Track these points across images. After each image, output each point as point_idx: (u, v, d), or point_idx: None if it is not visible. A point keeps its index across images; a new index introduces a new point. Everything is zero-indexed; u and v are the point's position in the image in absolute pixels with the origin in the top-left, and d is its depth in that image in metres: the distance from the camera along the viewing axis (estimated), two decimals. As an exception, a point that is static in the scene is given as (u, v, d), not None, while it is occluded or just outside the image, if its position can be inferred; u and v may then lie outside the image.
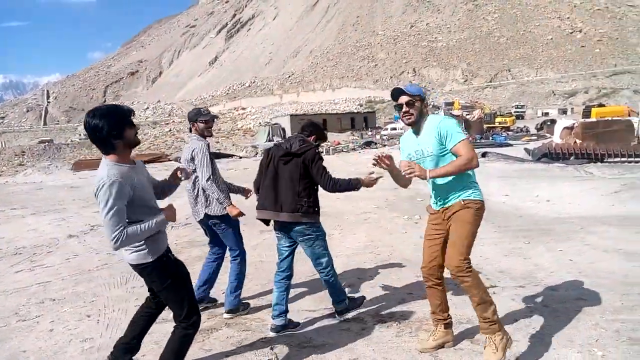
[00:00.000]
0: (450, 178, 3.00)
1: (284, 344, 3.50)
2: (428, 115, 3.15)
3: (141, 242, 2.65)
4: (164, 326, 3.97)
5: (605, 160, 19.88)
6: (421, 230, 7.34)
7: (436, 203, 3.18)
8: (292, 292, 4.76)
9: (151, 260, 2.70)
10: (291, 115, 58.85)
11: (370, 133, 48.15)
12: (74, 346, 3.68)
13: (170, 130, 73.64)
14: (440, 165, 3.01)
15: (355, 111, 68.14)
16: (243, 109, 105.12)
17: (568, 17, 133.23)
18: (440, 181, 3.06)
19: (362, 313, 4.01)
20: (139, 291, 5.01)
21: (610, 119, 25.31)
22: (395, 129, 43.80)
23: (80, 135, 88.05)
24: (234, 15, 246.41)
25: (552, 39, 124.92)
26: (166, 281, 2.77)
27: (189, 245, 7.15)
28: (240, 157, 30.54)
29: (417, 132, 3.16)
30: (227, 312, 4.14)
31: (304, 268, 5.62)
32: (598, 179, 14.16)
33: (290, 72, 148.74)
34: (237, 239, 4.21)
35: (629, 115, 30.34)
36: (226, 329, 3.85)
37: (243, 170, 19.85)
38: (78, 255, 6.86)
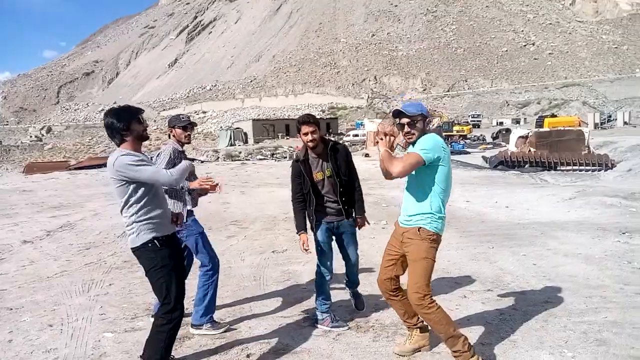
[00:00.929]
0: (418, 195, 3.05)
1: (261, 351, 3.44)
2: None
3: (132, 227, 2.93)
4: (134, 335, 3.83)
5: (557, 168, 20.76)
6: (388, 236, 7.44)
7: (401, 220, 3.21)
8: (263, 298, 4.71)
9: (139, 244, 2.93)
10: (253, 120, 58.39)
11: (333, 139, 48.37)
12: (36, 357, 3.49)
13: (127, 133, 71.31)
14: (412, 180, 3.10)
15: (318, 117, 68.45)
16: (204, 112, 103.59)
17: (522, 31, 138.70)
18: (408, 196, 3.13)
19: (337, 318, 3.99)
20: (103, 299, 4.83)
21: (562, 128, 26.43)
22: (357, 135, 44.26)
23: (31, 136, 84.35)
24: (195, 17, 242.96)
25: (506, 51, 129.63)
26: (150, 266, 2.93)
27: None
28: (202, 161, 30.04)
29: (406, 147, 3.16)
30: (192, 326, 3.88)
31: (275, 274, 5.58)
32: (552, 186, 14.75)
33: (252, 76, 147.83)
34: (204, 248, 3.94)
35: (580, 126, 31.78)
36: (199, 338, 3.75)
37: (204, 175, 19.53)
38: (34, 262, 6.54)
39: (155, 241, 2.91)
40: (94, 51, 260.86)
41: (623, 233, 7.02)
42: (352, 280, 4.09)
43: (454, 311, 4.04)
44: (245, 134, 49.49)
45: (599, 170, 19.26)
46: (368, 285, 4.92)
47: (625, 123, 49.57)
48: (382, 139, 3.02)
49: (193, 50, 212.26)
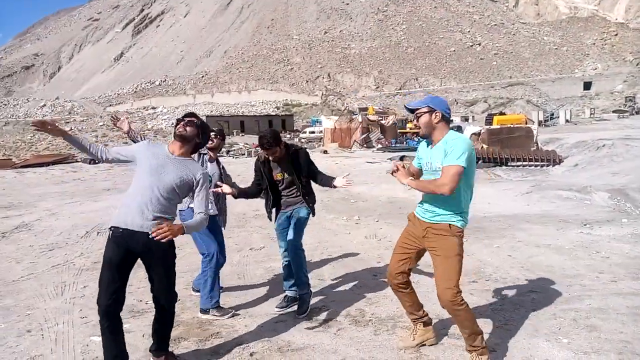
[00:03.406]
0: (449, 196, 2.90)
1: (263, 349, 3.38)
2: (447, 130, 3.03)
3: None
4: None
5: (509, 164, 21.60)
6: (364, 231, 7.53)
7: (422, 215, 3.13)
8: (252, 296, 4.64)
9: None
10: (207, 116, 57.26)
11: (289, 136, 48.27)
12: (21, 366, 3.28)
13: (70, 129, 68.52)
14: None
15: (273, 114, 68.02)
16: (153, 108, 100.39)
17: (469, 31, 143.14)
18: (433, 194, 2.98)
19: (334, 313, 3.99)
20: (80, 302, 4.61)
21: (511, 125, 27.51)
22: (313, 132, 44.32)
23: (-36, 133, 79.02)
24: (142, 10, 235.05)
25: (454, 51, 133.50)
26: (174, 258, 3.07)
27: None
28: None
29: (430, 143, 3.10)
30: (200, 312, 4.15)
31: (259, 271, 5.50)
32: (507, 181, 15.34)
33: (203, 71, 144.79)
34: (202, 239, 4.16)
35: (526, 123, 33.21)
36: (194, 338, 3.64)
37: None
38: (-5, 265, 6.13)
39: None
40: (33, 44, 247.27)
41: (584, 224, 7.40)
42: (294, 274, 4.08)
43: (445, 303, 4.12)
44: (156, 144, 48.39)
45: (548, 166, 20.16)
46: (355, 280, 4.95)
47: (566, 121, 52.21)
48: (396, 171, 3.02)
49: (140, 44, 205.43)
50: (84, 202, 11.79)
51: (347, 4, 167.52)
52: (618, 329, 3.42)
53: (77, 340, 3.66)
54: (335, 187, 3.97)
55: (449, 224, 2.98)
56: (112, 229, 2.88)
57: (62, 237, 7.85)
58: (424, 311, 3.36)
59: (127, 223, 2.82)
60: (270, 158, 3.97)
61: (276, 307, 4.14)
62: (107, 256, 2.86)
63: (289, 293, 4.20)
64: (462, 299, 2.92)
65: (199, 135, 3.05)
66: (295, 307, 4.07)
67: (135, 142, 4.54)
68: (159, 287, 2.99)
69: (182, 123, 3.03)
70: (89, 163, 24.73)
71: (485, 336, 3.41)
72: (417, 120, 3.07)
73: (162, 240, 2.70)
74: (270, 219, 4.21)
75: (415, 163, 3.29)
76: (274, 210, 4.19)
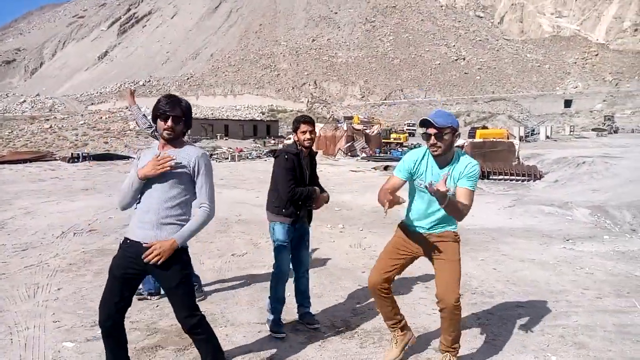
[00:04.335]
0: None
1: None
2: (462, 152, 3.03)
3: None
4: (97, 345, 3.50)
5: (490, 177, 21.82)
6: (349, 239, 7.44)
7: (422, 229, 3.11)
8: (235, 303, 4.50)
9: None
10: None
11: (273, 142, 48.12)
12: (-13, 372, 3.10)
13: (51, 127, 67.21)
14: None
15: (258, 119, 67.72)
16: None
17: (454, 45, 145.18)
18: (437, 210, 3.02)
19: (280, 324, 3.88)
20: (53, 305, 4.41)
21: (494, 139, 27.83)
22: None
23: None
24: (129, 10, 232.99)
25: (439, 64, 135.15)
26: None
27: (99, 254, 6.47)
28: (140, 158, 28.64)
29: (440, 163, 3.01)
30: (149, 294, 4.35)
31: (241, 278, 5.36)
32: (489, 195, 15.45)
33: (189, 73, 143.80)
34: None
35: (508, 138, 33.63)
36: (172, 347, 3.49)
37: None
38: (-37, 264, 5.88)
39: None
40: (15, 38, 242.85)
41: (567, 240, 7.45)
42: (303, 291, 3.93)
43: (431, 315, 4.06)
44: (140, 151, 47.86)
45: (529, 181, 20.41)
46: (340, 290, 4.85)
47: (547, 137, 53.10)
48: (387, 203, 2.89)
49: (125, 43, 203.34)
50: (61, 201, 11.48)
51: (336, 13, 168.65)
52: (606, 347, 3.39)
53: (48, 346, 3.48)
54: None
55: (452, 231, 3.08)
56: (122, 240, 2.75)
57: (36, 236, 7.59)
58: (401, 315, 3.33)
59: (134, 234, 2.67)
60: (307, 142, 3.66)
61: (278, 335, 3.67)
62: (110, 267, 2.73)
63: (308, 310, 3.95)
64: (460, 303, 2.99)
65: (186, 121, 2.76)
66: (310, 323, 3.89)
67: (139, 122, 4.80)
68: (173, 306, 2.71)
69: (167, 124, 2.67)
70: (68, 162, 24.23)
71: (474, 351, 3.35)
72: (439, 140, 2.93)
73: (153, 262, 2.54)
74: (289, 227, 3.71)
75: (401, 175, 3.12)
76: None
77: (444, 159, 2.99)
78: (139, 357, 3.25)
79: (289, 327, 3.83)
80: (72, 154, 26.59)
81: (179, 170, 2.64)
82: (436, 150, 2.95)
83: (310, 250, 3.89)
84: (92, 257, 6.26)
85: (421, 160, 3.08)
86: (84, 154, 26.10)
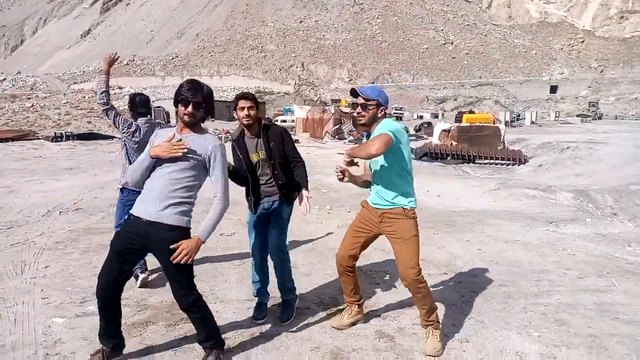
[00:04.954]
0: (392, 179, 3.13)
1: (235, 335, 3.30)
2: (384, 119, 3.18)
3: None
4: (87, 320, 3.52)
5: (476, 161, 22.03)
6: (336, 220, 7.50)
7: (375, 202, 3.23)
8: (224, 282, 4.54)
9: None
10: (176, 100, 55.72)
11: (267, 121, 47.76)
12: (-24, 347, 3.09)
13: (32, 105, 65.91)
14: (382, 165, 3.13)
15: (244, 101, 67.05)
16: (120, 88, 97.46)
17: (442, 29, 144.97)
18: (382, 180, 3.15)
19: (306, 301, 3.94)
20: (41, 282, 4.40)
21: (480, 124, 28.02)
22: (285, 121, 44.03)
23: None
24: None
25: (427, 48, 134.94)
26: None
27: (86, 233, 6.44)
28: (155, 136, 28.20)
29: (369, 135, 3.19)
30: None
31: (229, 257, 5.40)
32: (475, 178, 15.63)
33: (174, 53, 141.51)
34: None
35: (495, 123, 33.87)
36: (163, 323, 3.52)
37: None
38: (-53, 241, 5.81)
39: None
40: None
41: (550, 222, 7.60)
42: (279, 281, 3.65)
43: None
44: (167, 113, 47.40)
45: (514, 165, 20.65)
46: (328, 269, 4.90)
47: (532, 122, 53.59)
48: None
49: (108, 21, 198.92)
50: (45, 180, 11.34)
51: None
52: (586, 324, 3.50)
53: (38, 322, 3.49)
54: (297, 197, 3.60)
55: (402, 207, 3.13)
56: (127, 216, 2.78)
57: (21, 215, 7.51)
58: (360, 296, 3.54)
59: (137, 210, 2.69)
60: (244, 124, 3.44)
61: (255, 320, 3.56)
62: (111, 242, 2.77)
63: (262, 299, 3.71)
64: (423, 277, 3.09)
65: (207, 107, 2.77)
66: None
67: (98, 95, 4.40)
68: (171, 283, 2.75)
69: (187, 109, 2.67)
70: (51, 141, 23.85)
71: (458, 328, 3.45)
72: (363, 109, 3.13)
73: (184, 262, 2.59)
74: (252, 210, 3.64)
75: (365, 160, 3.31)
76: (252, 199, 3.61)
77: (370, 129, 3.18)
78: (129, 332, 3.27)
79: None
80: (55, 133, 26.17)
81: (192, 157, 2.66)
82: (361, 120, 3.16)
83: (289, 230, 3.69)
84: (79, 236, 6.22)
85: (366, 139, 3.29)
86: (67, 134, 25.71)
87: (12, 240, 5.90)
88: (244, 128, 3.52)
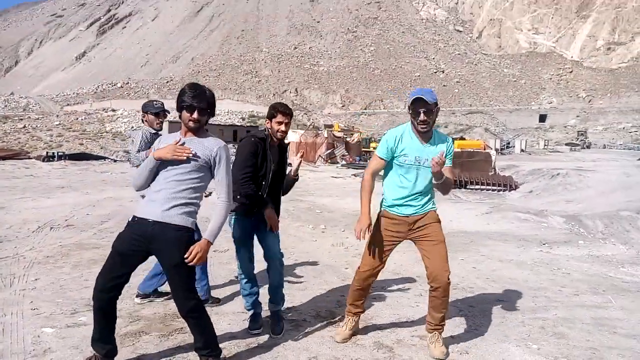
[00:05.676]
0: (429, 187, 3.17)
1: (230, 345, 3.24)
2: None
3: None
4: (79, 330, 3.45)
5: (467, 186, 22.16)
6: (331, 239, 7.47)
7: (406, 212, 3.16)
8: (218, 295, 4.48)
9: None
10: (170, 122, 56.11)
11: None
12: (-36, 355, 3.01)
13: (24, 126, 65.68)
14: (423, 175, 3.11)
15: (238, 124, 67.49)
16: (113, 110, 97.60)
17: (433, 58, 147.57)
18: (423, 188, 3.14)
19: (303, 314, 3.89)
20: (31, 294, 4.31)
21: (471, 150, 28.31)
22: (278, 144, 44.12)
23: None
24: (109, 10, 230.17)
25: (419, 76, 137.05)
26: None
27: (77, 248, 6.35)
28: (115, 160, 28.25)
29: (423, 139, 3.08)
30: (138, 297, 4.10)
31: (223, 272, 5.34)
32: (466, 202, 15.69)
33: (169, 77, 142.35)
34: None
35: (485, 149, 34.24)
36: (156, 333, 3.45)
37: (120, 175, 18.36)
38: None
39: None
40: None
41: (543, 244, 7.61)
42: (274, 285, 3.55)
43: (414, 308, 4.12)
44: (161, 136, 47.41)
45: (504, 191, 20.79)
46: (324, 284, 4.86)
47: (521, 150, 54.25)
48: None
49: (104, 44, 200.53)
50: (37, 198, 11.23)
51: (318, 22, 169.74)
52: (585, 337, 3.49)
53: (27, 331, 3.40)
54: (292, 178, 3.58)
55: (434, 211, 3.19)
56: (131, 218, 2.75)
57: (11, 230, 7.40)
58: (363, 306, 3.52)
59: (142, 212, 2.68)
60: (280, 133, 3.37)
61: (251, 331, 3.49)
62: (113, 243, 2.73)
63: (257, 310, 3.61)
64: None
65: (210, 112, 2.78)
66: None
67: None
68: (172, 286, 2.71)
69: (193, 116, 2.67)
70: (43, 160, 23.71)
71: (457, 340, 3.42)
72: (428, 116, 2.97)
73: (195, 263, 2.62)
74: (244, 214, 3.42)
75: (384, 155, 3.15)
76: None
77: (427, 135, 3.07)
78: (122, 342, 3.20)
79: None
80: (47, 152, 26.07)
81: (196, 160, 2.67)
82: (425, 127, 3.01)
83: (280, 240, 3.59)
84: (70, 251, 6.14)
85: (402, 138, 3.11)
86: (59, 153, 25.59)
87: (1, 255, 5.80)
88: (271, 136, 3.45)
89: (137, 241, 2.64)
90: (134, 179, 2.79)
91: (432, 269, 3.06)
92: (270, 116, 3.45)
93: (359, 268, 3.34)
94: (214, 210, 2.73)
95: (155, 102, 4.15)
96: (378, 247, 3.20)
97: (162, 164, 2.69)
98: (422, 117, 2.96)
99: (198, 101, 2.68)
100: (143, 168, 2.73)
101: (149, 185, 2.74)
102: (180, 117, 2.77)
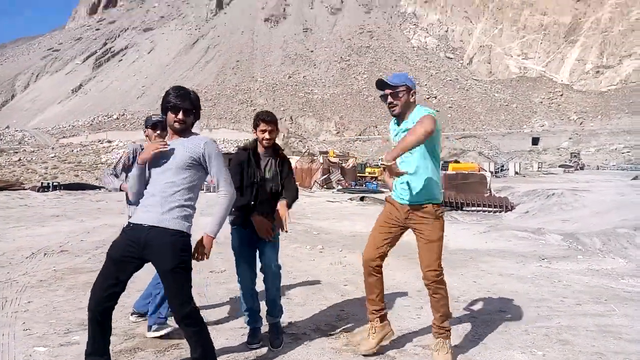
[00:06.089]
0: (425, 172, 3.01)
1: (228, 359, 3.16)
2: (416, 105, 3.11)
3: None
4: (71, 349, 3.36)
5: (463, 208, 22.17)
6: (329, 258, 7.40)
7: (402, 197, 3.13)
8: (216, 312, 4.40)
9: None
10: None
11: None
12: (-46, 375, 2.92)
13: (19, 159, 65.70)
14: (415, 154, 2.99)
15: (233, 152, 67.69)
16: (109, 142, 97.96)
17: (426, 84, 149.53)
18: (413, 173, 3.03)
19: (303, 328, 3.82)
20: (23, 316, 4.22)
21: (467, 172, 28.43)
22: (273, 171, 44.21)
23: None
24: (105, 44, 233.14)
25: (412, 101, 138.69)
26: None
27: (71, 272, 6.25)
28: (110, 190, 28.05)
29: (399, 122, 3.14)
30: (133, 314, 3.97)
31: (220, 291, 5.26)
32: (463, 223, 15.67)
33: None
34: None
35: (479, 171, 34.40)
36: (152, 349, 3.37)
37: (117, 203, 18.24)
38: None
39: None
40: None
41: (542, 259, 7.57)
42: (270, 299, 3.53)
43: (415, 320, 4.05)
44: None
45: (500, 212, 20.83)
46: (323, 300, 4.79)
47: (516, 173, 54.50)
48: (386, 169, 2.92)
49: (100, 77, 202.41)
50: (31, 226, 11.12)
51: (312, 51, 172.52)
52: (590, 343, 3.43)
53: (19, 351, 3.31)
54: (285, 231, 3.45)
55: (433, 204, 3.06)
56: (126, 224, 2.73)
57: (5, 257, 7.30)
58: (385, 304, 3.32)
59: (138, 218, 2.64)
60: (265, 141, 3.36)
61: (250, 346, 3.41)
62: (108, 251, 2.67)
63: (256, 325, 3.54)
64: (443, 279, 3.06)
65: (195, 113, 2.78)
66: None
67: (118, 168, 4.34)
68: (168, 292, 2.62)
69: (177, 116, 2.68)
70: (38, 191, 23.58)
71: (461, 349, 3.35)
72: (394, 98, 3.04)
73: (200, 260, 2.64)
74: (238, 224, 3.41)
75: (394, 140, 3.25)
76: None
77: (402, 116, 3.09)
78: (117, 359, 3.12)
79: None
80: (42, 183, 25.98)
81: (185, 157, 2.64)
82: (394, 109, 3.06)
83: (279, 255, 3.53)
84: (64, 275, 6.04)
85: (392, 125, 3.24)
86: (54, 184, 25.50)
87: (-6, 279, 5.70)
88: (259, 144, 3.48)
89: (131, 247, 2.59)
90: (129, 190, 2.77)
91: (421, 265, 3.09)
92: (255, 125, 3.51)
93: (363, 253, 3.29)
94: (217, 204, 2.70)
95: (153, 116, 4.13)
96: (381, 226, 3.23)
97: (152, 168, 2.68)
98: (388, 99, 3.05)
99: (182, 101, 2.68)
100: (132, 177, 2.73)
101: (143, 192, 2.72)
102: (165, 120, 2.77)
